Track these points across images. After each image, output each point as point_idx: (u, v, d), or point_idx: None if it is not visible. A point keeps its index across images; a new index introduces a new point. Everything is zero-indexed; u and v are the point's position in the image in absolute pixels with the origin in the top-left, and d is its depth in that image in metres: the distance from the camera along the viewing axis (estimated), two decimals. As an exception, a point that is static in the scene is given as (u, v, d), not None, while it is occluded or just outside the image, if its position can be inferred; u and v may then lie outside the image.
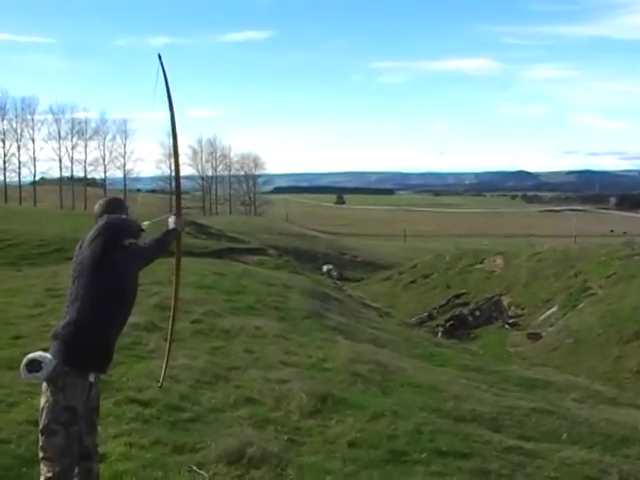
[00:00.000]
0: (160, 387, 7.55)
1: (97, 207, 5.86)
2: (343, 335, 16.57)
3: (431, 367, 15.13)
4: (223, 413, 9.10)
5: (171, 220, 6.15)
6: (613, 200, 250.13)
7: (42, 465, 5.38)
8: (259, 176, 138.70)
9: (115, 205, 5.90)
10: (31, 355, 5.36)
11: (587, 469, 8.37)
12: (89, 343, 5.41)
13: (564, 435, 10.09)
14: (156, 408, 8.90)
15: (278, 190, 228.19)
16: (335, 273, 57.35)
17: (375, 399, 10.43)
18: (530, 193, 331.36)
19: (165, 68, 6.34)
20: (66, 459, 5.34)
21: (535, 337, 33.38)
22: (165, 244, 5.90)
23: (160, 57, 6.24)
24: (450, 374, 14.27)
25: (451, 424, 9.51)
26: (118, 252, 5.46)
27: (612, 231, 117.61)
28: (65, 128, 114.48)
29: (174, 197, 6.82)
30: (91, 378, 5.51)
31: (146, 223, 5.96)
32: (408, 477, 7.41)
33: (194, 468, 7.20)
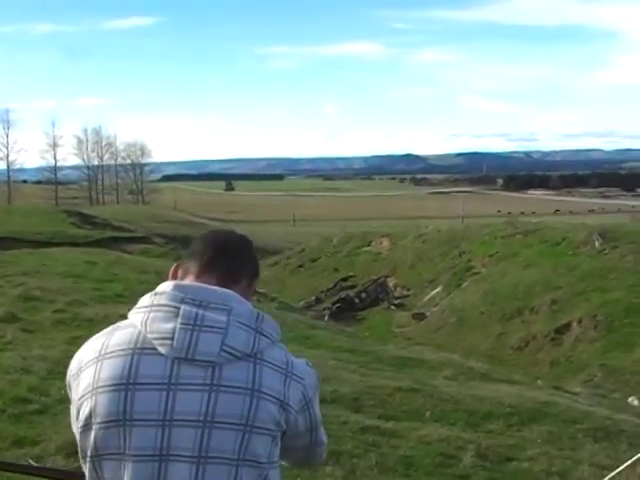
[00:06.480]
0: None
1: None
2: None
3: (303, 350, 14.87)
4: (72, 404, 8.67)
5: None
6: (500, 181, 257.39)
7: None
8: (146, 164, 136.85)
9: None
10: None
11: (444, 446, 8.24)
12: None
13: (427, 413, 9.96)
14: (2, 401, 8.49)
15: (166, 178, 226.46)
16: (223, 260, 56.84)
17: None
18: (419, 176, 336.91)
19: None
20: None
21: (420, 317, 33.67)
22: None
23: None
24: (321, 356, 14.01)
25: (310, 406, 9.25)
26: None
27: (499, 211, 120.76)
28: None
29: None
30: None
31: None
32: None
33: (30, 462, 6.83)
